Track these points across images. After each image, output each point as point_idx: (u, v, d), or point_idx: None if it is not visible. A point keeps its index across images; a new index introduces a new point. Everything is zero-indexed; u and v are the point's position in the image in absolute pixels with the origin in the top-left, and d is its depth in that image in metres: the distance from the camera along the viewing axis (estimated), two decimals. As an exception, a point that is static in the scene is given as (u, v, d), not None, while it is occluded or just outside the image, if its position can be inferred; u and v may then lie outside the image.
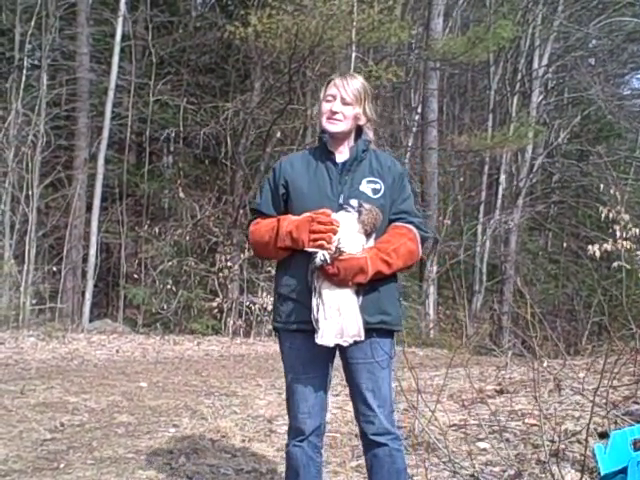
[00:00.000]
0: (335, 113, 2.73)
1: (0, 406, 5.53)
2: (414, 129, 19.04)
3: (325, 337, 2.57)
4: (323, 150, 2.78)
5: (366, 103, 2.77)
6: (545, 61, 19.27)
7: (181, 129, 15.91)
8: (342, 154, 2.78)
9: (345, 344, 2.60)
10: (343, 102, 2.73)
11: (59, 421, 5.08)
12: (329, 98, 2.76)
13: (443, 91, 20.42)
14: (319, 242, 2.57)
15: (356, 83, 2.76)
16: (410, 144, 18.71)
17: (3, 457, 4.10)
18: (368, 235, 2.65)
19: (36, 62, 14.41)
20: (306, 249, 2.60)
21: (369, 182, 2.73)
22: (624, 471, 2.05)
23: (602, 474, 2.12)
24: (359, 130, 2.82)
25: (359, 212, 2.61)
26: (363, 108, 2.77)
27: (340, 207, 2.67)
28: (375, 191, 2.72)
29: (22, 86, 13.92)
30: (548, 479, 3.28)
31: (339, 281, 2.58)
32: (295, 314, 2.68)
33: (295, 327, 2.69)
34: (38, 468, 3.93)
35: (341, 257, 2.55)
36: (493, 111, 19.34)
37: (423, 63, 17.42)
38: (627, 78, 24.19)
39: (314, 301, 2.60)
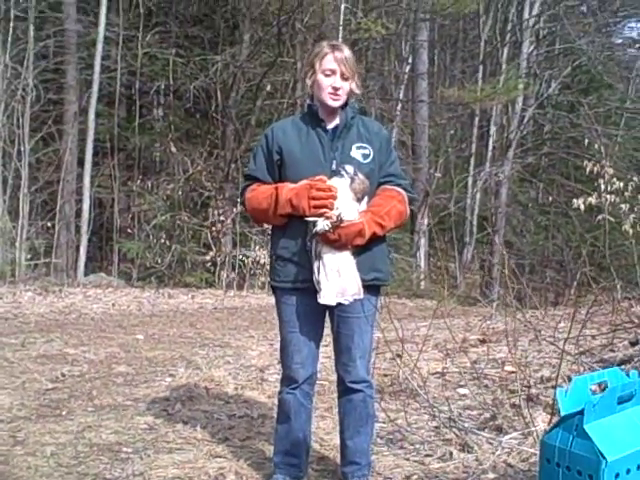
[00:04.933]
0: (337, 89, 2.83)
1: (2, 358, 5.72)
2: (404, 81, 18.98)
3: (327, 297, 2.75)
4: (313, 117, 2.89)
5: (356, 75, 2.89)
6: (536, 10, 19.09)
7: (171, 82, 15.81)
8: (331, 122, 2.89)
9: (346, 302, 2.77)
10: (343, 78, 2.83)
11: (60, 372, 5.27)
12: (328, 73, 2.83)
13: (434, 42, 20.28)
14: (322, 210, 2.71)
15: (349, 55, 2.86)
16: (401, 96, 18.68)
17: (8, 405, 4.29)
18: (358, 200, 2.79)
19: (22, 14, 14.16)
20: (306, 218, 2.74)
21: (359, 148, 2.86)
22: (582, 412, 2.25)
23: (562, 415, 2.32)
24: None
25: (352, 179, 2.75)
26: (355, 80, 2.88)
27: (333, 173, 2.79)
28: (365, 156, 2.85)
29: (10, 39, 13.74)
30: (520, 421, 3.51)
31: (339, 245, 2.75)
32: (294, 274, 2.84)
33: (295, 286, 2.85)
34: (42, 415, 4.13)
35: (341, 224, 2.70)
36: (483, 62, 19.21)
37: (413, 14, 17.29)
38: (619, 27, 23.96)
39: (315, 264, 2.76)
